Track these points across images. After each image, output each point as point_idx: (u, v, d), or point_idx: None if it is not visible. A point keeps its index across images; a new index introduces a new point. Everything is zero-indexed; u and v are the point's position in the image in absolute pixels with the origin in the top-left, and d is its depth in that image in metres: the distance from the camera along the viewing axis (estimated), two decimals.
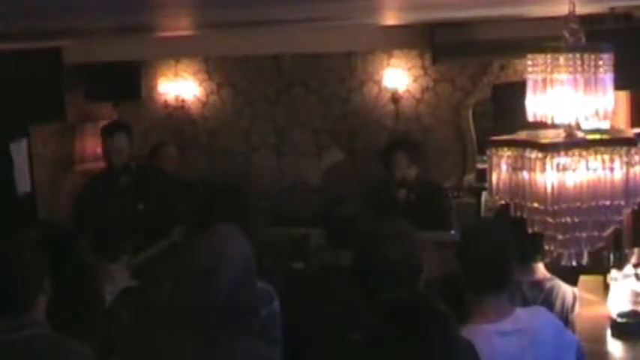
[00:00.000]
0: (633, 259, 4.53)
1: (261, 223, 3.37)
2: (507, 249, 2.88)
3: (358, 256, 3.01)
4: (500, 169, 2.93)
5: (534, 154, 2.81)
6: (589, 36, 2.88)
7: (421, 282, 2.91)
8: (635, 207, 2.98)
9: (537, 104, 2.88)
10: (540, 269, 3.52)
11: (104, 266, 4.94)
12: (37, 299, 2.80)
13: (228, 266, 2.39)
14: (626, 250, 4.83)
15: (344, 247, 3.50)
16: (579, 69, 2.79)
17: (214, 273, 2.37)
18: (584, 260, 2.93)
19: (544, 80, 2.84)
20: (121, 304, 4.87)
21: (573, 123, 2.86)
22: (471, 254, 2.88)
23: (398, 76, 7.79)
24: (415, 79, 7.85)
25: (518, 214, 2.91)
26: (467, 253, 2.89)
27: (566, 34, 2.86)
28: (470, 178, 7.62)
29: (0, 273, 2.77)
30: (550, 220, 2.83)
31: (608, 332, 4.08)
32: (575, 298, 3.52)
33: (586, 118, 2.85)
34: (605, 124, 3.01)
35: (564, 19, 2.90)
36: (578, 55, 2.79)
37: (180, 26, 5.01)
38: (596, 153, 2.81)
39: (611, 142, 2.85)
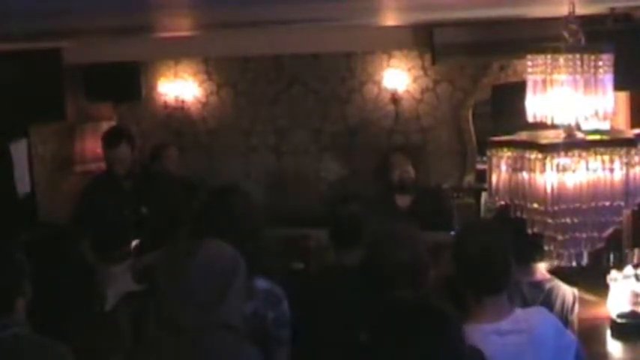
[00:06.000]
0: (633, 260, 4.53)
1: (262, 223, 3.36)
2: (503, 249, 2.87)
3: (370, 257, 3.10)
4: (500, 170, 2.93)
5: (534, 155, 2.81)
6: (589, 36, 2.89)
7: (430, 280, 2.98)
8: (635, 207, 2.98)
9: (537, 105, 2.88)
10: (540, 270, 3.51)
11: (107, 268, 4.95)
12: (17, 301, 2.84)
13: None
14: (626, 251, 4.84)
15: (347, 248, 3.51)
16: (579, 69, 2.79)
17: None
18: (584, 261, 2.93)
19: (544, 81, 2.85)
20: (124, 307, 4.87)
21: (573, 123, 2.87)
22: (467, 255, 2.87)
23: (398, 77, 7.78)
24: (415, 80, 7.85)
25: (518, 214, 2.92)
26: (463, 254, 2.88)
27: (566, 35, 2.87)
28: (470, 178, 7.61)
29: None
30: (550, 220, 2.84)
31: (608, 333, 4.08)
32: (575, 298, 3.51)
33: (586, 119, 2.86)
34: (605, 125, 3.01)
35: (564, 20, 2.91)
36: (578, 56, 2.80)
37: (180, 26, 5.01)
38: (596, 154, 2.82)
39: (611, 142, 2.86)
